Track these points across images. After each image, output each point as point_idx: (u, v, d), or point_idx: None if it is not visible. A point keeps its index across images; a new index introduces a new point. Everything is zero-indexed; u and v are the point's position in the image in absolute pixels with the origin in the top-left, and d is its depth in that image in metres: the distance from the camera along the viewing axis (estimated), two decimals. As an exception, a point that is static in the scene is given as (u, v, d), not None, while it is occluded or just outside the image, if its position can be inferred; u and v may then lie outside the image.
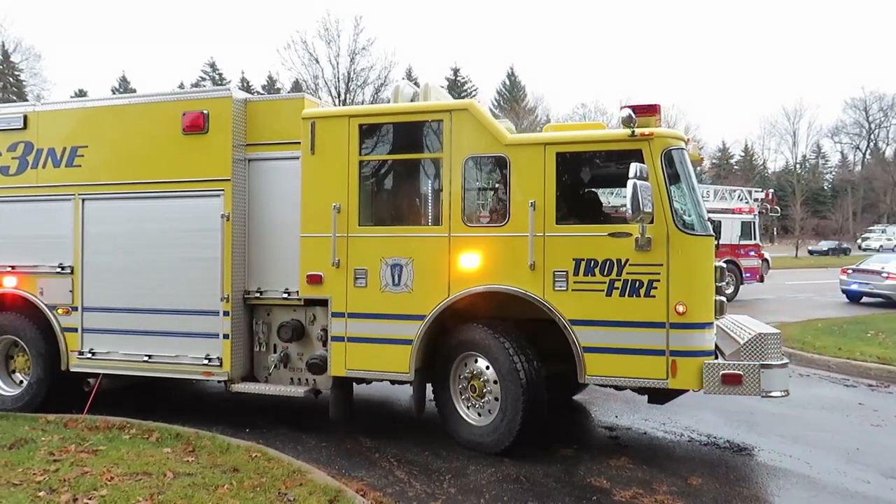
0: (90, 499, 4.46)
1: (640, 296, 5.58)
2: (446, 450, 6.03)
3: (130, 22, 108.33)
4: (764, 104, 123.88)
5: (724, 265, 6.18)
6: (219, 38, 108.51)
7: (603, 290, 5.66)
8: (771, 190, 26.89)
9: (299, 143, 6.46)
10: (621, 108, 5.80)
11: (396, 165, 6.97)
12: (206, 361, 6.60)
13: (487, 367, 5.98)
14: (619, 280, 5.62)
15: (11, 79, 59.64)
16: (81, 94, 64.27)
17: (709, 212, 22.73)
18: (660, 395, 6.14)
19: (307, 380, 6.61)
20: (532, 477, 5.43)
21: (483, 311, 6.12)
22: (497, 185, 6.33)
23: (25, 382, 7.23)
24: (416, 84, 7.42)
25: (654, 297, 5.55)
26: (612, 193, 8.59)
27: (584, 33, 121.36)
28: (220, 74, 74.13)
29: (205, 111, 6.60)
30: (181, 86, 70.71)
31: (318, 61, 46.78)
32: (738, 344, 5.61)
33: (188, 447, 5.67)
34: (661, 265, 5.54)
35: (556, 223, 5.81)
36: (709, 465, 5.85)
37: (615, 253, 5.63)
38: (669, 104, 79.48)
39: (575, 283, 5.72)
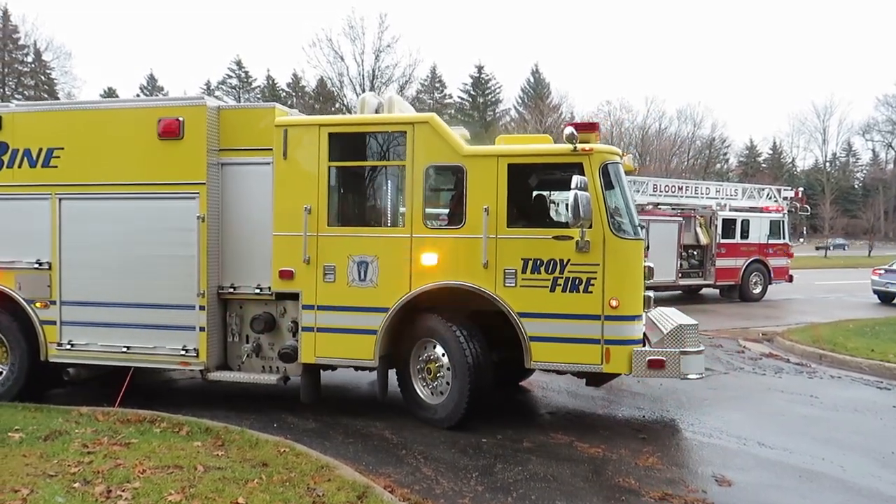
0: (123, 491, 4.55)
1: (579, 291, 6.22)
2: (472, 448, 6.06)
3: (159, 20, 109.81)
4: (793, 101, 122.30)
5: (651, 267, 6.76)
6: (245, 37, 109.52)
7: (547, 287, 6.27)
8: (800, 188, 26.43)
9: (270, 149, 6.87)
10: (564, 125, 6.42)
11: (363, 171, 7.57)
12: (183, 352, 6.94)
13: (442, 354, 6.56)
14: (562, 278, 6.24)
15: (43, 77, 60.77)
16: (110, 91, 65.36)
17: (737, 210, 22.30)
18: (596, 379, 6.91)
19: (278, 368, 7.08)
20: (560, 476, 5.41)
21: (441, 302, 6.65)
22: (454, 192, 6.83)
23: (5, 372, 7.37)
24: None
25: (591, 292, 6.19)
26: (557, 202, 9.27)
27: (609, 30, 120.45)
28: (246, 73, 74.82)
29: (180, 118, 6.88)
30: (208, 83, 71.75)
31: (342, 59, 47.16)
32: (662, 333, 6.27)
33: (218, 441, 5.75)
34: (598, 265, 6.17)
35: (507, 226, 6.39)
36: (739, 466, 5.74)
37: (558, 254, 6.25)
38: (696, 101, 78.88)
39: (523, 279, 6.32)
